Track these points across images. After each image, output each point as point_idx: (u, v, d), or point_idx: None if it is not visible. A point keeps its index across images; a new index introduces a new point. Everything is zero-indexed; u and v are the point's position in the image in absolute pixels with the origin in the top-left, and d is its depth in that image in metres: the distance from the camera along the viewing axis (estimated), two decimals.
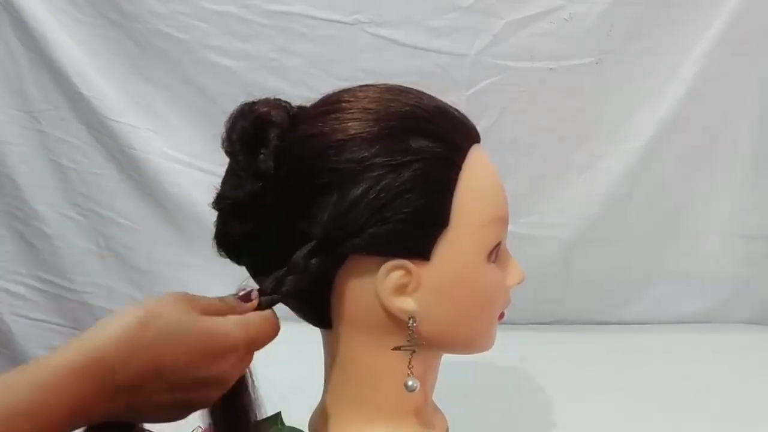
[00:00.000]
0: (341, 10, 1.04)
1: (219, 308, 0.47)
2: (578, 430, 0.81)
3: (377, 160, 0.48)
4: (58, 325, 1.22)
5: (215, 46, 1.06)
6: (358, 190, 0.47)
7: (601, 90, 1.06)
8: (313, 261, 0.48)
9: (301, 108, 0.54)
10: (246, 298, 0.49)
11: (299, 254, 0.48)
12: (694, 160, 1.10)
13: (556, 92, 1.05)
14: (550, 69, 1.04)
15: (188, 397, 0.44)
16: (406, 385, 0.51)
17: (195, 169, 1.11)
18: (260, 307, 0.49)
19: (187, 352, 0.42)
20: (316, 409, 0.59)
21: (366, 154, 0.48)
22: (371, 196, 0.47)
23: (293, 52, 1.06)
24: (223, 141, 0.51)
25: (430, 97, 0.53)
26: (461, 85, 1.05)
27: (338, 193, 0.48)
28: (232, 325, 0.45)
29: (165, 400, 0.43)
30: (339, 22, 1.04)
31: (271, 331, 0.48)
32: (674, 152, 1.08)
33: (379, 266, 0.49)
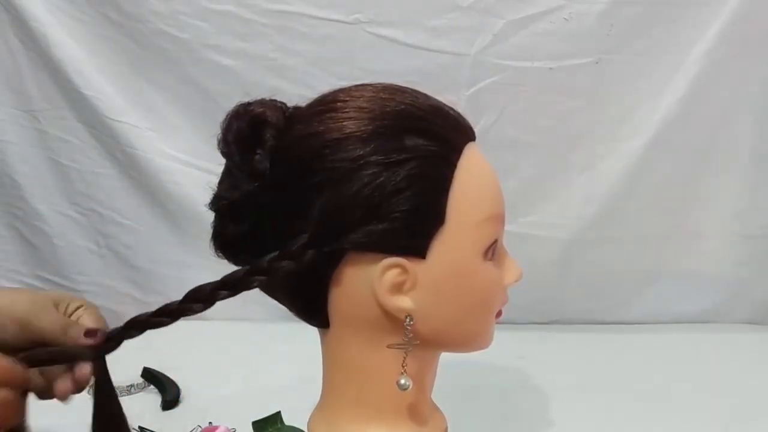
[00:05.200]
0: (341, 9, 1.04)
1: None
2: (577, 429, 0.81)
3: (373, 158, 0.47)
4: None
5: (215, 46, 1.06)
6: (353, 188, 0.47)
7: (601, 90, 1.06)
8: (309, 252, 0.48)
9: (296, 108, 0.54)
10: (91, 334, 0.50)
11: (294, 243, 0.48)
12: (694, 160, 1.10)
13: (556, 92, 1.05)
14: (550, 69, 1.04)
15: None
16: (398, 384, 0.51)
17: (195, 168, 1.11)
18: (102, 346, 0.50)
19: None
20: (315, 409, 0.59)
21: (361, 152, 0.47)
22: (366, 194, 0.47)
23: (293, 51, 1.06)
24: (219, 142, 0.51)
25: (426, 96, 0.53)
26: (461, 84, 1.05)
27: (333, 191, 0.48)
28: None
29: None
30: (339, 21, 1.04)
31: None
32: (674, 152, 1.08)
33: (376, 264, 0.49)
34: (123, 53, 1.09)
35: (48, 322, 0.50)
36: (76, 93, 1.09)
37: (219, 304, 0.51)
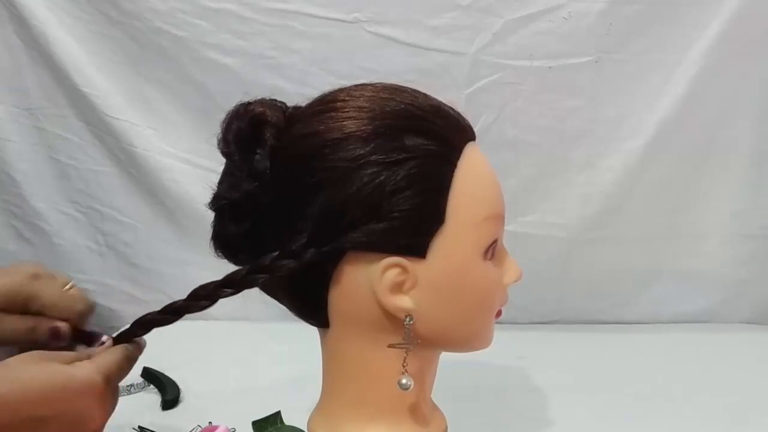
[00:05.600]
0: (341, 8, 1.03)
1: (75, 356, 0.48)
2: (577, 429, 0.81)
3: (373, 158, 0.48)
4: None
5: (214, 44, 1.06)
6: (353, 187, 0.47)
7: (601, 89, 1.05)
8: (309, 251, 0.48)
9: (296, 108, 0.54)
10: (90, 340, 0.51)
11: (295, 242, 0.48)
12: (694, 160, 1.09)
13: (556, 91, 1.05)
14: (550, 68, 1.03)
15: None
16: (399, 384, 0.51)
17: (194, 167, 1.11)
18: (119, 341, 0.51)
19: (37, 391, 0.43)
20: (315, 409, 0.59)
21: (361, 152, 0.48)
22: (366, 193, 0.47)
23: (292, 50, 1.05)
24: (219, 141, 0.52)
25: (426, 95, 0.53)
26: (460, 83, 1.04)
27: (334, 190, 0.48)
28: (84, 365, 0.47)
29: None
30: (338, 20, 1.04)
31: (124, 363, 0.50)
32: (674, 152, 1.08)
33: (376, 264, 0.49)
34: (122, 51, 1.09)
35: (10, 329, 0.51)
36: (76, 91, 1.09)
37: (219, 304, 0.51)
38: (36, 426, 0.43)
